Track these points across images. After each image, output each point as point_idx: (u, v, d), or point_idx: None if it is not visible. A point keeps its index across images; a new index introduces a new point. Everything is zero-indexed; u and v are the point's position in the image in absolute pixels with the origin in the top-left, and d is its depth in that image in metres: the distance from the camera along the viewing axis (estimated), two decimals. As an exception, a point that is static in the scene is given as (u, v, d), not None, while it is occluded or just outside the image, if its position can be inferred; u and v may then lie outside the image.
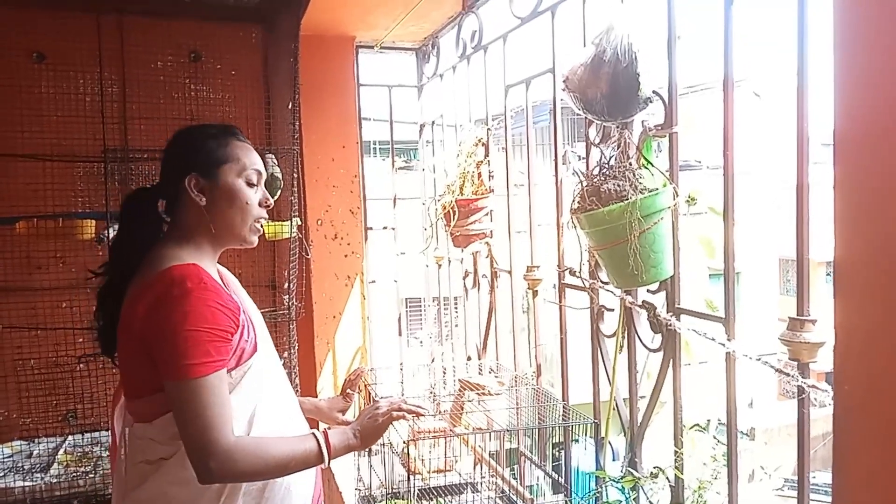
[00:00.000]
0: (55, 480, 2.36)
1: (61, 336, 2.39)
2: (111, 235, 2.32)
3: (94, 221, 2.33)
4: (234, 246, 1.43)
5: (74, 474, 2.38)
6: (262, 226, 1.42)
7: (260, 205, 1.41)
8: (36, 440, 2.64)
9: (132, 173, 2.56)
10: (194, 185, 1.36)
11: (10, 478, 2.37)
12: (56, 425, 2.61)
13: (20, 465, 2.49)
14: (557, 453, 2.22)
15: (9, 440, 2.62)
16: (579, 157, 1.98)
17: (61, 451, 2.57)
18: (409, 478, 2.00)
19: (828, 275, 10.67)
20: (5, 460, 2.51)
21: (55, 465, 2.49)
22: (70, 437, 2.65)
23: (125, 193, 1.49)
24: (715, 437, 1.64)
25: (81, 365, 2.44)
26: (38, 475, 2.43)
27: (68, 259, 2.56)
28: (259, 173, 1.40)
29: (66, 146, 2.56)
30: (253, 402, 1.33)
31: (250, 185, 1.39)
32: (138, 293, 1.29)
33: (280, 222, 2.54)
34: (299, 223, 2.57)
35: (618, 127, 1.69)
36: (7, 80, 2.64)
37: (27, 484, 2.33)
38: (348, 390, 1.78)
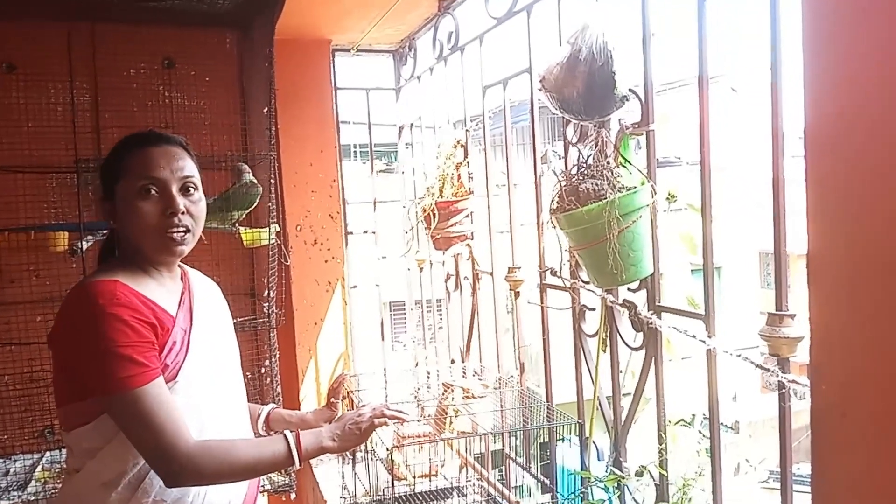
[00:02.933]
0: (33, 498, 2.31)
1: (36, 351, 2.34)
2: (84, 247, 2.28)
3: (66, 234, 2.28)
4: (157, 263, 1.36)
5: (52, 492, 2.33)
6: (176, 234, 1.31)
7: (165, 214, 1.30)
8: (12, 457, 2.58)
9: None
10: (102, 209, 1.35)
11: (-13, 496, 2.32)
12: (33, 441, 2.56)
13: (-3, 482, 2.44)
14: (543, 453, 2.21)
15: (-15, 457, 2.57)
16: (559, 156, 1.98)
17: (38, 468, 2.52)
18: (392, 484, 1.98)
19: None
20: (-19, 478, 2.46)
21: (32, 482, 2.43)
22: (48, 454, 2.59)
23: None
24: (700, 432, 1.64)
25: (57, 378, 2.39)
26: (16, 493, 2.37)
27: (42, 272, 2.51)
28: (157, 181, 1.29)
29: (38, 157, 2.51)
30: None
31: (145, 197, 1.29)
32: (61, 305, 1.28)
33: (258, 229, 2.51)
34: (278, 229, 2.54)
35: (595, 126, 1.69)
36: (-25, 89, 2.59)
37: (4, 502, 2.28)
38: (332, 399, 1.75)
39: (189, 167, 1.35)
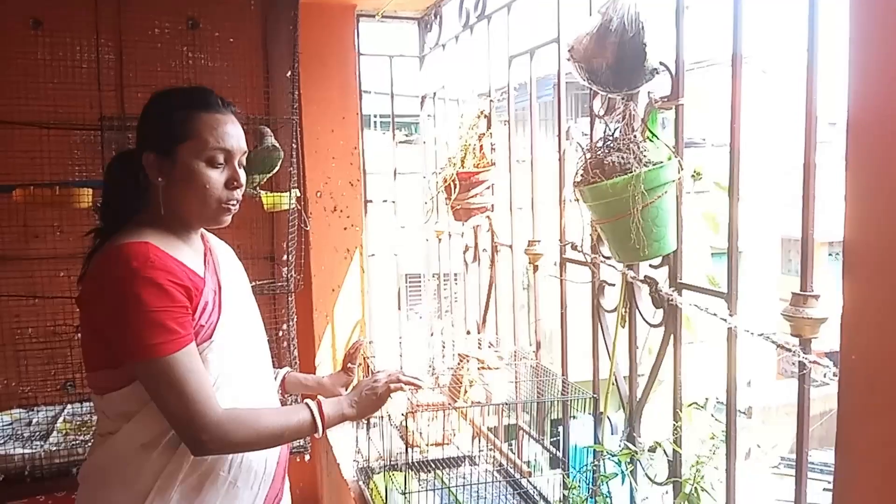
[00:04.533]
0: (54, 448, 2.37)
1: (59, 305, 2.38)
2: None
3: (90, 190, 2.30)
4: (203, 226, 1.37)
5: (73, 443, 2.39)
6: (233, 206, 1.33)
7: (228, 186, 1.30)
8: (35, 409, 2.64)
9: (129, 141, 2.53)
10: (152, 163, 1.30)
11: (10, 445, 2.39)
12: (55, 394, 2.62)
13: (19, 432, 2.50)
14: (556, 430, 2.22)
15: (8, 408, 2.63)
16: (582, 132, 1.95)
17: (60, 420, 2.58)
18: (406, 450, 2.00)
19: (830, 255, 10.65)
20: (5, 428, 2.52)
21: (54, 433, 2.50)
22: (69, 406, 2.66)
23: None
24: (713, 416, 1.63)
25: (79, 334, 2.44)
26: (38, 443, 2.44)
27: (66, 228, 2.55)
28: (226, 151, 1.29)
29: (62, 114, 2.53)
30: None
31: (213, 165, 1.28)
32: (90, 267, 1.28)
33: (279, 193, 2.52)
34: (298, 195, 2.55)
35: (623, 99, 1.66)
36: (3, 47, 2.60)
37: (27, 451, 2.34)
38: (349, 364, 1.77)
39: (245, 139, 1.36)
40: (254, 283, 1.59)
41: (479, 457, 2.36)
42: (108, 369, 1.27)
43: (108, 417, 1.31)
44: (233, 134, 1.31)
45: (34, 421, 2.61)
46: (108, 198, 1.40)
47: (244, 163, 1.35)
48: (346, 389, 1.72)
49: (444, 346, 2.74)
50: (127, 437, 1.28)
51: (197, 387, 1.21)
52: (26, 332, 2.54)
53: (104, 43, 2.63)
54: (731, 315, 1.44)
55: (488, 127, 2.50)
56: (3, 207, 2.52)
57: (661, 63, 1.58)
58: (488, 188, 2.49)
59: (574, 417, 2.15)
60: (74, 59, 2.64)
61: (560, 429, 2.18)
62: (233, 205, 1.33)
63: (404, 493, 1.78)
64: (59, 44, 2.64)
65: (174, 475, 1.27)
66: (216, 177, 1.29)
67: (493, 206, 2.53)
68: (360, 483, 2.27)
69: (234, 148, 1.31)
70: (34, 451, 2.36)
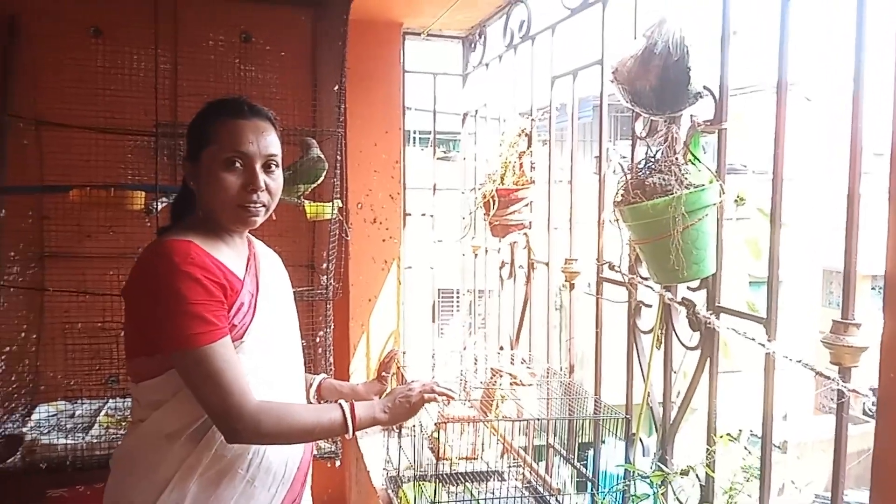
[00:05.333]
0: (95, 441, 2.44)
1: (108, 302, 2.46)
2: (159, 208, 2.39)
3: (143, 193, 2.39)
4: (230, 230, 1.41)
5: (114, 436, 2.46)
6: (252, 208, 1.35)
7: (245, 188, 1.33)
8: (79, 401, 2.73)
9: (180, 148, 2.62)
10: (188, 170, 1.40)
11: (54, 435, 2.47)
12: (98, 388, 2.70)
13: (63, 424, 2.59)
14: (583, 454, 2.20)
15: (53, 400, 2.72)
16: (621, 155, 1.96)
17: (102, 414, 2.66)
18: (436, 463, 2.02)
19: (872, 288, 10.37)
20: (49, 418, 2.61)
21: (96, 426, 2.58)
22: (111, 401, 2.74)
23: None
24: (746, 448, 1.61)
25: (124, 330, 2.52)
26: (80, 434, 2.52)
27: (117, 228, 2.64)
28: (244, 155, 1.33)
29: (118, 120, 2.64)
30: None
31: (230, 168, 1.33)
32: (137, 260, 1.34)
33: (322, 203, 2.58)
34: (340, 205, 2.61)
35: (665, 121, 1.68)
36: (65, 53, 2.72)
37: (69, 442, 2.42)
38: (383, 373, 1.79)
39: (274, 144, 1.40)
40: (293, 290, 1.64)
41: (507, 473, 2.36)
42: (144, 357, 1.33)
43: (140, 405, 1.37)
44: (252, 139, 1.35)
45: (77, 413, 2.69)
46: (174, 202, 1.51)
47: (274, 167, 1.39)
48: (379, 398, 1.75)
49: (476, 361, 2.76)
50: (154, 425, 1.33)
51: (232, 377, 1.26)
52: (75, 328, 2.63)
53: (161, 53, 2.73)
54: (769, 340, 1.43)
55: (529, 145, 2.53)
56: (59, 207, 2.63)
57: (704, 87, 1.60)
58: (527, 205, 2.52)
59: (604, 442, 2.14)
60: (132, 68, 2.74)
61: (588, 453, 2.17)
62: (253, 208, 1.36)
63: (433, 502, 1.79)
64: (117, 52, 2.75)
65: (194, 468, 1.31)
66: (232, 180, 1.33)
67: (530, 223, 2.56)
68: (389, 491, 2.29)
69: (250, 152, 1.34)
70: (76, 442, 2.44)
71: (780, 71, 1.45)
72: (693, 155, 1.62)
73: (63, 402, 2.72)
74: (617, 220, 1.68)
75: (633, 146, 1.88)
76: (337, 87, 2.59)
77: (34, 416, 2.60)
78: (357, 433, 1.40)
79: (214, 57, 2.86)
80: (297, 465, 1.46)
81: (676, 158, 1.62)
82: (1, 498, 2.50)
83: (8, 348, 2.59)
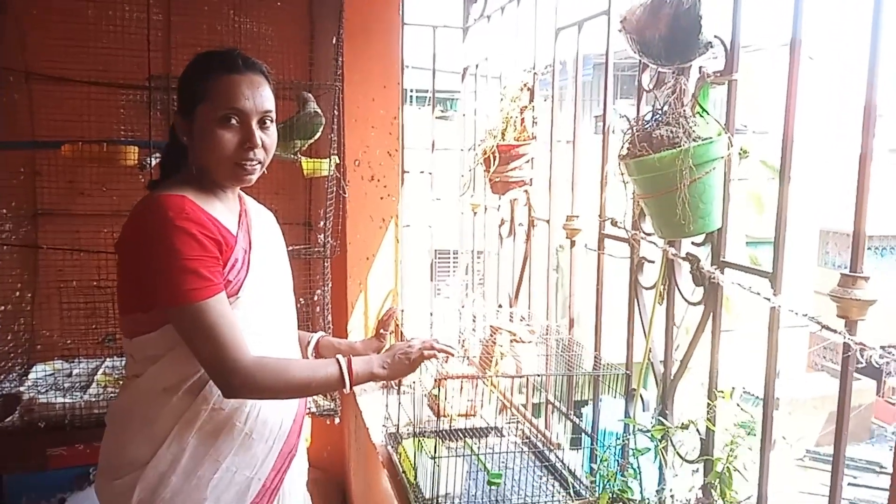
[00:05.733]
0: (93, 399, 2.44)
1: (102, 259, 2.44)
2: (153, 163, 2.34)
3: (136, 148, 2.34)
4: (223, 186, 1.39)
5: (112, 395, 2.46)
6: (248, 166, 1.33)
7: (241, 146, 1.31)
8: (76, 360, 2.72)
9: (174, 102, 2.56)
10: (180, 125, 1.36)
11: (52, 394, 2.46)
12: (95, 347, 2.69)
13: (60, 383, 2.58)
14: (579, 412, 2.21)
15: (50, 359, 2.72)
16: (620, 114, 1.92)
17: (100, 373, 2.66)
18: (438, 419, 2.02)
19: (869, 248, 10.40)
20: (46, 378, 2.61)
21: (93, 385, 2.58)
22: (108, 360, 2.73)
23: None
24: (738, 405, 1.61)
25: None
26: (78, 393, 2.52)
27: (110, 186, 2.60)
28: (239, 112, 1.30)
29: (110, 74, 2.57)
30: None
31: (226, 125, 1.30)
32: (130, 215, 1.32)
33: (319, 160, 2.53)
34: (338, 162, 2.56)
35: (674, 72, 1.63)
36: (56, 5, 2.64)
37: (67, 401, 2.42)
38: (381, 330, 1.78)
39: (269, 99, 1.37)
40: (290, 248, 1.61)
41: (505, 429, 2.37)
42: (139, 313, 1.32)
43: (135, 361, 1.37)
44: (248, 95, 1.32)
45: (74, 373, 2.69)
46: (163, 155, 1.48)
47: (269, 123, 1.37)
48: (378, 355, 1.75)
49: (474, 319, 2.75)
50: (150, 379, 1.33)
51: (228, 332, 1.25)
52: (70, 286, 2.61)
53: (153, 4, 2.65)
54: (775, 294, 1.42)
55: (531, 100, 2.48)
56: (52, 164, 2.59)
57: (715, 37, 1.55)
58: (528, 162, 2.48)
59: (600, 400, 2.14)
60: (123, 20, 2.67)
61: (584, 410, 2.18)
62: (249, 165, 1.34)
63: (434, 458, 1.80)
64: (107, 3, 2.67)
65: (192, 422, 1.32)
66: (229, 137, 1.31)
67: (531, 180, 2.52)
68: (389, 448, 2.31)
69: (247, 108, 1.32)
70: (74, 401, 2.44)
71: (794, 29, 1.41)
72: (701, 107, 1.58)
73: (60, 362, 2.72)
74: (622, 174, 1.65)
75: (640, 99, 1.84)
76: (334, 40, 2.52)
77: (31, 376, 2.60)
78: (356, 390, 1.40)
79: (208, 8, 2.79)
80: (292, 418, 1.47)
81: (684, 111, 1.58)
82: (1, 457, 2.51)
83: (2, 307, 2.58)
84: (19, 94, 2.65)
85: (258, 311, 1.39)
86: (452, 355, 1.58)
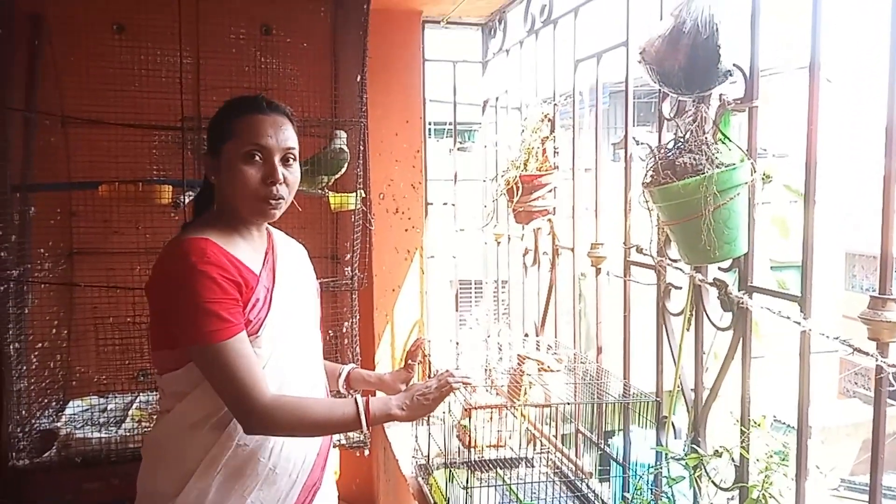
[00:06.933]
0: (128, 434, 2.48)
1: (136, 297, 2.49)
2: (186, 202, 2.41)
3: (170, 187, 2.41)
4: (249, 222, 1.43)
5: (146, 429, 2.49)
6: (273, 202, 1.37)
7: (264, 181, 1.36)
8: (110, 395, 2.77)
9: (204, 142, 2.64)
10: (208, 164, 1.43)
11: (88, 429, 2.50)
12: (128, 382, 2.73)
13: (95, 418, 2.62)
14: (607, 443, 2.19)
15: (85, 395, 2.76)
16: (637, 141, 1.95)
17: (133, 407, 2.70)
18: (468, 450, 2.02)
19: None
20: (82, 413, 2.65)
21: (128, 419, 2.61)
22: (141, 395, 2.77)
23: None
24: (769, 433, 1.60)
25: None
26: (112, 428, 2.55)
27: (143, 224, 2.67)
28: (263, 148, 1.36)
29: (144, 116, 2.66)
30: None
31: (250, 161, 1.36)
32: (158, 258, 1.38)
33: (345, 194, 2.59)
34: (363, 195, 2.61)
35: (694, 101, 1.66)
36: (89, 50, 2.75)
37: (103, 435, 2.46)
38: (409, 361, 1.80)
39: (292, 138, 1.43)
40: (318, 281, 1.65)
41: (535, 459, 2.36)
42: (167, 349, 1.38)
43: (166, 395, 1.42)
44: (271, 133, 1.38)
45: (109, 408, 2.73)
46: (197, 195, 1.56)
47: (292, 161, 1.42)
48: (406, 386, 1.75)
49: (500, 349, 2.76)
50: (179, 416, 1.38)
51: (246, 371, 1.29)
52: (105, 323, 2.66)
53: (184, 48, 2.75)
54: (804, 318, 1.42)
55: (552, 130, 2.52)
56: (87, 204, 2.66)
57: (734, 65, 1.58)
58: (550, 191, 2.51)
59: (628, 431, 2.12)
60: (154, 63, 2.76)
61: (612, 440, 2.16)
62: (272, 200, 1.38)
63: (465, 488, 1.80)
64: (140, 48, 2.77)
65: (217, 459, 1.35)
66: (252, 172, 1.36)
67: (554, 209, 2.55)
68: (419, 479, 2.31)
69: (270, 145, 1.37)
70: (110, 435, 2.47)
71: (812, 53, 1.43)
72: (723, 134, 1.61)
73: (95, 397, 2.76)
74: (646, 201, 1.67)
75: (661, 127, 1.87)
76: (359, 78, 2.59)
77: (67, 412, 2.65)
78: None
79: (236, 50, 2.87)
80: (316, 452, 1.50)
81: (706, 138, 1.60)
82: (38, 491, 2.54)
83: (40, 344, 2.63)
84: (55, 137, 2.74)
85: (280, 348, 1.42)
86: (471, 385, 1.58)
